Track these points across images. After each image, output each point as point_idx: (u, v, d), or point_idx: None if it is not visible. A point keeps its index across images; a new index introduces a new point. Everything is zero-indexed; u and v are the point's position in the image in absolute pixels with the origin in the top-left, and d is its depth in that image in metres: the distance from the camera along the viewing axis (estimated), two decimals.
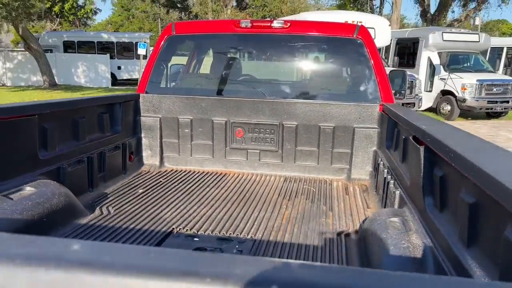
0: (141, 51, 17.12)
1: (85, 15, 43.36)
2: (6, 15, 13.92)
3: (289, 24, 3.78)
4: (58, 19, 41.28)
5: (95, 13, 44.50)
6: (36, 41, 20.45)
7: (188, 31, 4.05)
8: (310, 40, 3.83)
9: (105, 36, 25.95)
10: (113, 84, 23.58)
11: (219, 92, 3.93)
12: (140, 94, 3.90)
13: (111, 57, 23.73)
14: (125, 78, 24.65)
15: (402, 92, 4.84)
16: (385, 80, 3.67)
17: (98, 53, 24.13)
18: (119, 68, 24.37)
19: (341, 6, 27.59)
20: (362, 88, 3.74)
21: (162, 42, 3.98)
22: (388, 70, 4.36)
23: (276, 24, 3.78)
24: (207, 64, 4.62)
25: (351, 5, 26.93)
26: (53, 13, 40.21)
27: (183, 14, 38.31)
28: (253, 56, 4.27)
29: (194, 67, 4.76)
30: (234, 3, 38.49)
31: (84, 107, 3.09)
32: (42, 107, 2.61)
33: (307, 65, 4.28)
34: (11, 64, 22.96)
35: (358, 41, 3.69)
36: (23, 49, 20.70)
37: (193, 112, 3.83)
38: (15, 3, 12.61)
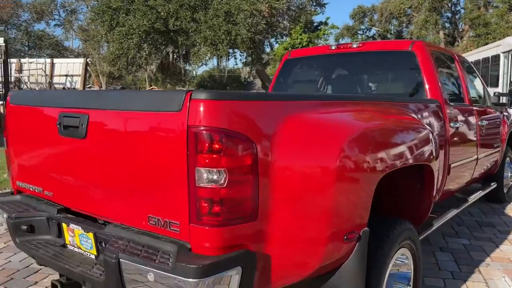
0: None
1: None
2: (245, 60, 18.38)
3: (364, 43, 5.13)
4: None
5: None
6: (269, 80, 25.08)
7: (298, 55, 5.78)
8: (376, 54, 5.03)
9: None
10: None
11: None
12: None
13: None
14: None
15: None
16: (435, 87, 4.34)
17: None
18: None
19: None
20: (412, 93, 4.61)
21: (281, 64, 5.82)
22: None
23: (354, 45, 5.17)
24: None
25: None
26: None
27: None
28: (338, 69, 5.65)
29: (321, 82, 6.40)
30: (471, 34, 36.83)
31: None
32: None
33: (373, 74, 5.39)
34: None
35: (412, 53, 4.68)
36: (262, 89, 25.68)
37: None
38: (249, 50, 16.78)
